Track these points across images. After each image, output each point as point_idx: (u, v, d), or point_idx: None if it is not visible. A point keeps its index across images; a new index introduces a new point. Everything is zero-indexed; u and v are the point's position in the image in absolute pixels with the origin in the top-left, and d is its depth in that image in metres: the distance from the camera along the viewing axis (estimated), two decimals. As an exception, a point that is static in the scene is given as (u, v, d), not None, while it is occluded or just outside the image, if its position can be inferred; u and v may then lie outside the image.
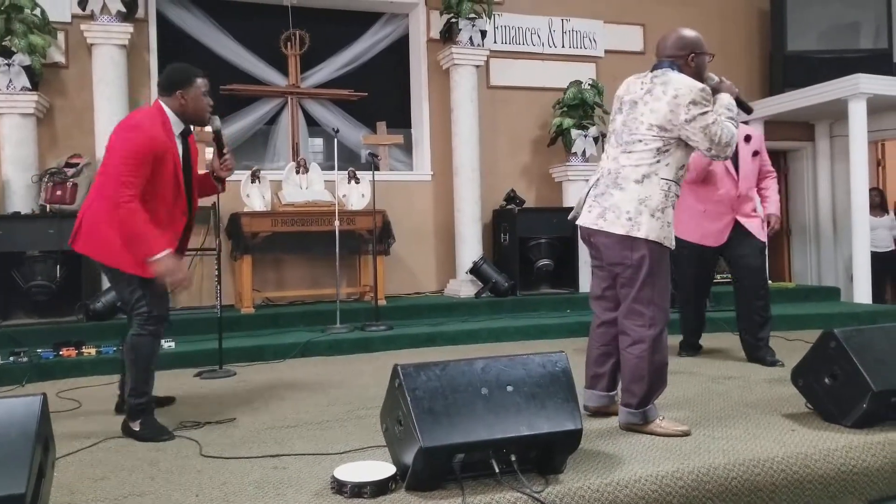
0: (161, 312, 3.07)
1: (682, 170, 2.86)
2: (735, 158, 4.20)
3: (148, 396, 3.03)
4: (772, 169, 4.45)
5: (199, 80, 3.08)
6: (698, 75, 2.86)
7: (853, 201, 6.88)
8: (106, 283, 5.54)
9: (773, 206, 4.40)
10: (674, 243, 2.87)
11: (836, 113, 7.58)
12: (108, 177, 2.93)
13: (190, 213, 3.20)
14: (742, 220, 4.24)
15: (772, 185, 4.42)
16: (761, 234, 4.29)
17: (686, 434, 2.76)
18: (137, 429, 2.95)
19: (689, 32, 2.93)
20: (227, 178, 3.39)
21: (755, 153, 4.29)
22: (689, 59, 2.88)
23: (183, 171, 3.08)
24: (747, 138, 4.25)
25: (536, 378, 2.35)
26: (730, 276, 4.58)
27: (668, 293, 2.87)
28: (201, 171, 3.37)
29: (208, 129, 3.31)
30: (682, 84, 2.75)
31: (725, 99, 2.88)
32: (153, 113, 3.04)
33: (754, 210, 4.30)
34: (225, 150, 3.29)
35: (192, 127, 3.18)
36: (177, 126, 3.07)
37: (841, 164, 8.15)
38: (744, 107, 3.04)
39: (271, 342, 4.97)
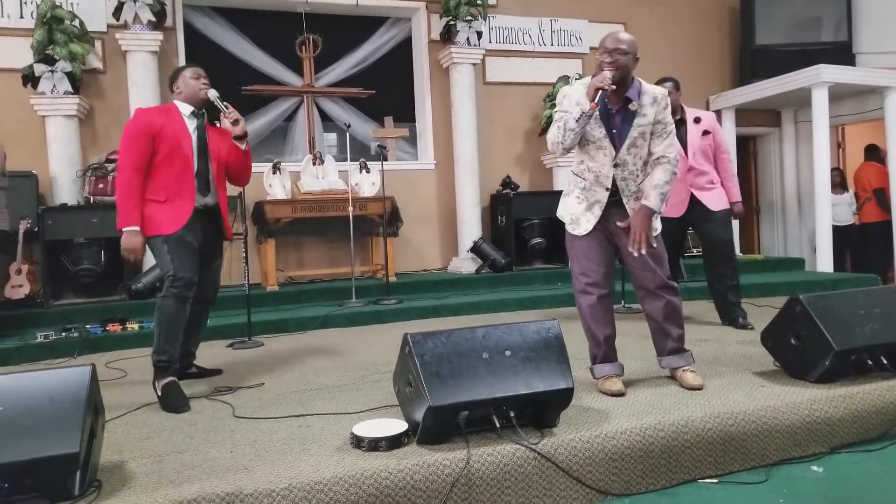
0: (187, 275, 3.00)
1: (582, 164, 2.85)
2: (682, 137, 4.16)
3: (169, 355, 2.97)
4: (726, 150, 4.34)
5: (187, 71, 3.23)
6: (596, 72, 2.72)
7: (816, 180, 6.84)
8: (146, 266, 5.56)
9: (735, 194, 4.29)
10: (576, 229, 2.85)
11: (801, 100, 7.52)
12: None
13: (209, 186, 3.19)
14: (697, 192, 4.19)
15: (728, 170, 4.30)
16: (719, 205, 4.20)
17: (619, 395, 2.75)
18: (160, 393, 2.92)
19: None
20: (244, 134, 3.24)
21: (705, 132, 4.22)
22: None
23: (199, 152, 3.14)
24: (696, 119, 4.23)
25: (532, 343, 2.36)
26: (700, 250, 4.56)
27: (576, 268, 2.88)
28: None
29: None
30: None
31: (583, 100, 2.72)
32: (161, 106, 3.25)
33: (710, 182, 4.21)
34: (227, 109, 3.21)
35: (204, 112, 3.23)
36: (185, 109, 3.17)
37: (805, 147, 8.11)
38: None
39: (294, 316, 4.98)
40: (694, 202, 4.21)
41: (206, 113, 3.28)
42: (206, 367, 3.53)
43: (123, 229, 2.99)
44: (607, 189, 2.78)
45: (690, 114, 4.27)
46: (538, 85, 7.25)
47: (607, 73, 2.63)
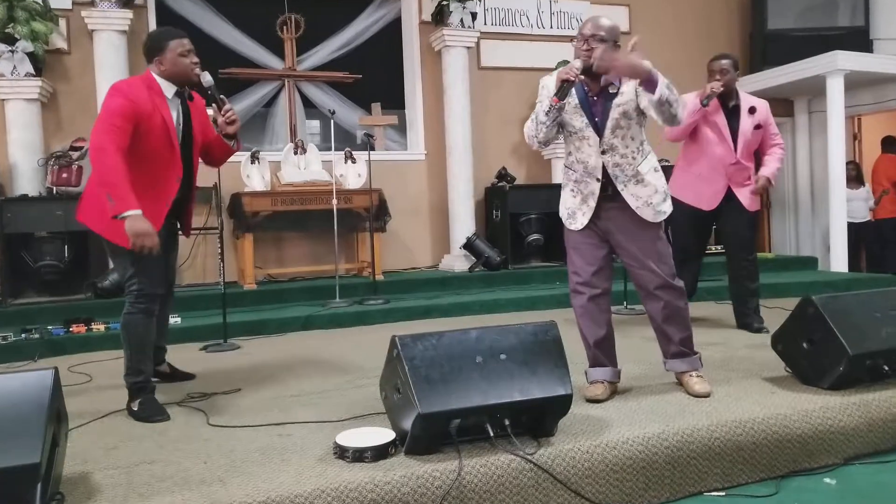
0: (153, 290, 2.92)
1: (570, 155, 2.87)
2: (735, 126, 4.10)
3: (144, 375, 2.92)
4: (780, 141, 4.27)
5: (173, 43, 2.93)
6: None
7: (830, 174, 6.88)
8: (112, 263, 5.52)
9: (768, 169, 4.19)
10: (573, 224, 2.87)
11: (815, 89, 7.55)
12: None
13: (188, 178, 3.05)
14: (735, 188, 4.15)
15: (775, 152, 4.22)
16: (752, 205, 4.20)
17: (592, 401, 2.78)
18: (136, 408, 2.86)
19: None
20: (236, 133, 3.10)
21: (758, 126, 4.15)
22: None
23: (183, 144, 2.98)
24: (751, 110, 4.14)
25: (528, 346, 2.36)
26: (721, 247, 4.53)
27: (569, 266, 2.92)
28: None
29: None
30: None
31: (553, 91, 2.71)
32: (141, 79, 2.94)
33: (749, 179, 4.19)
34: (224, 104, 3.04)
35: (187, 90, 3.02)
36: (168, 89, 2.95)
37: (819, 138, 8.14)
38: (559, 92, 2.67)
39: (273, 317, 4.97)
40: (728, 196, 4.16)
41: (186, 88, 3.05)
42: (178, 369, 3.51)
43: (126, 214, 2.68)
44: (598, 179, 2.79)
45: (746, 102, 4.15)
46: (536, 70, 7.23)
47: (576, 63, 2.63)
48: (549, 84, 2.80)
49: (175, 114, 2.97)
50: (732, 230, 4.24)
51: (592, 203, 2.82)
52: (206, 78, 2.99)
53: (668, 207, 2.84)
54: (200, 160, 3.23)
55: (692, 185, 4.17)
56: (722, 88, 4.02)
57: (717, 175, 4.14)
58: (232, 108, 3.08)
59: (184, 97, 3.03)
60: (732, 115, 4.13)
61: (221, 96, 3.05)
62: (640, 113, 2.76)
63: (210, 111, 3.12)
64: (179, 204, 3.09)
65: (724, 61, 4.07)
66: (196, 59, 2.98)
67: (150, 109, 2.85)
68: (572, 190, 2.90)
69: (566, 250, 2.95)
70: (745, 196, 4.18)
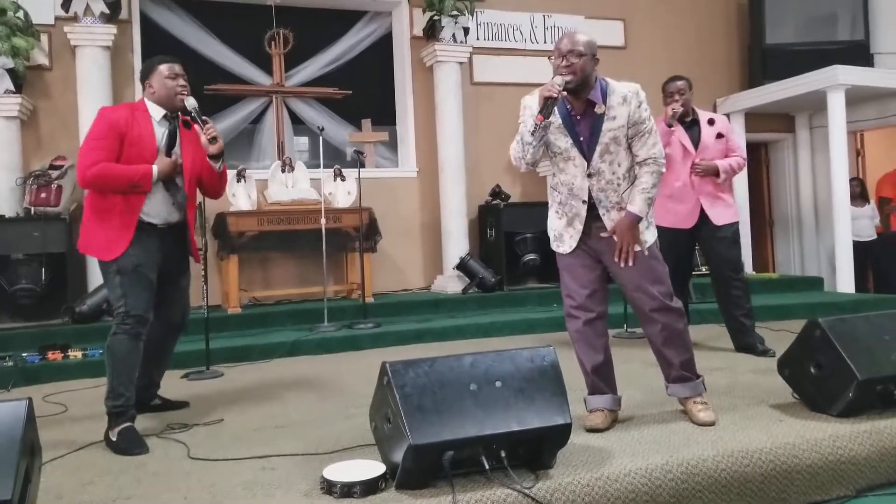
0: (139, 312, 2.94)
1: (554, 177, 2.86)
2: (696, 138, 4.24)
3: (125, 399, 2.89)
4: (742, 154, 4.39)
5: (162, 67, 3.09)
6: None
7: (834, 191, 6.90)
8: (92, 285, 5.48)
9: (723, 162, 4.22)
10: (560, 247, 2.87)
11: (816, 104, 7.61)
12: None
13: (173, 205, 3.11)
14: (704, 202, 4.21)
15: (735, 158, 4.30)
16: (725, 219, 4.23)
17: (591, 431, 2.75)
18: (115, 438, 2.82)
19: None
20: (219, 154, 3.16)
21: (719, 135, 4.28)
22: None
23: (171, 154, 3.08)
24: (710, 121, 4.30)
25: (525, 373, 2.33)
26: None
27: (563, 289, 2.93)
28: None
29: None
30: None
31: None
32: (130, 104, 3.15)
33: (719, 191, 4.25)
34: (206, 126, 3.10)
35: (179, 116, 3.14)
36: (156, 112, 3.08)
37: (821, 154, 8.19)
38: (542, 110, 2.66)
39: (259, 342, 4.92)
40: (703, 215, 4.23)
41: (179, 114, 3.17)
42: (170, 399, 3.47)
43: (154, 177, 2.97)
44: (584, 201, 2.78)
45: (703, 116, 4.34)
46: (530, 86, 7.11)
47: (557, 80, 2.62)
48: (531, 104, 2.77)
49: (160, 134, 3.07)
50: (714, 251, 4.29)
51: (579, 225, 2.80)
52: (191, 102, 3.10)
53: (650, 236, 2.81)
54: (199, 191, 3.31)
55: (666, 207, 4.25)
56: (682, 108, 4.20)
57: (686, 191, 4.22)
58: (213, 125, 3.14)
59: (175, 123, 3.12)
60: (691, 129, 4.28)
61: (204, 118, 3.13)
62: (629, 141, 2.75)
63: (202, 138, 3.13)
64: (178, 231, 3.16)
65: (679, 82, 4.26)
66: (183, 83, 3.11)
67: (130, 122, 2.98)
68: (557, 212, 2.90)
69: (560, 272, 2.94)
70: (717, 212, 4.23)
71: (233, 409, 3.42)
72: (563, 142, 2.75)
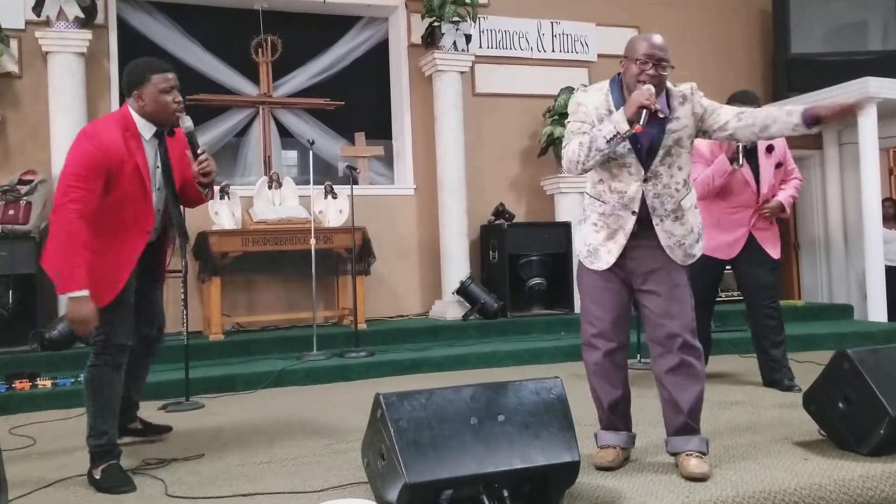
0: (121, 341, 2.93)
1: (601, 183, 2.81)
2: (756, 169, 4.22)
3: (108, 438, 2.89)
4: (798, 175, 4.41)
5: (156, 77, 2.94)
6: (629, 83, 2.72)
7: (865, 212, 6.94)
8: (63, 309, 5.48)
9: (783, 194, 4.28)
10: (595, 262, 2.81)
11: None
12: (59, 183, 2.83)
13: (174, 219, 3.10)
14: (757, 234, 4.24)
15: (792, 182, 4.34)
16: (774, 251, 4.28)
17: (601, 469, 2.75)
18: (98, 476, 2.82)
19: (634, 38, 2.81)
20: (210, 183, 3.17)
21: (778, 164, 4.28)
22: (622, 64, 2.78)
23: (163, 187, 3.03)
24: (769, 148, 4.27)
25: (530, 406, 2.35)
26: (739, 294, 4.55)
27: (583, 315, 2.89)
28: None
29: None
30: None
31: (615, 116, 2.64)
32: (116, 118, 2.96)
33: (772, 224, 4.30)
34: (200, 152, 3.06)
35: (165, 131, 3.05)
36: (146, 130, 2.97)
37: (851, 172, 8.22)
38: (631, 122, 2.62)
39: (242, 371, 4.92)
40: (751, 241, 4.24)
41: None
42: (151, 423, 3.49)
43: (68, 295, 2.72)
44: (634, 212, 2.74)
45: (761, 142, 4.24)
46: (537, 97, 7.36)
47: (649, 88, 2.59)
48: (587, 101, 2.77)
49: (152, 157, 3.00)
50: (752, 276, 4.27)
51: (622, 239, 2.76)
52: (187, 123, 3.02)
53: (698, 251, 2.84)
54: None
55: (710, 234, 4.21)
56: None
57: (738, 223, 4.23)
58: (209, 158, 3.10)
59: (163, 136, 3.05)
60: (751, 156, 4.22)
61: (200, 147, 3.08)
62: (692, 142, 2.80)
63: (193, 167, 3.11)
64: (155, 249, 3.13)
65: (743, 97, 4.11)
66: (179, 98, 3.00)
67: (124, 156, 2.86)
68: (595, 223, 2.83)
69: (581, 296, 2.92)
70: (770, 244, 4.26)
71: (214, 444, 3.42)
72: (621, 147, 2.71)
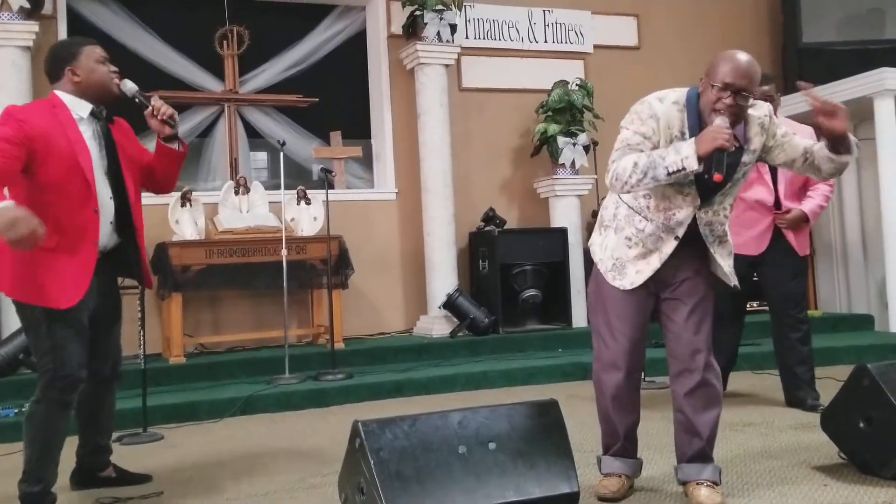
0: (72, 373, 2.83)
1: (647, 199, 2.74)
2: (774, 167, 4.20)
3: (44, 485, 2.82)
4: (830, 182, 4.29)
5: (87, 48, 3.01)
6: (704, 108, 2.66)
7: (885, 215, 6.98)
8: (7, 329, 5.43)
9: (807, 204, 4.27)
10: (618, 279, 2.77)
11: (861, 113, 7.72)
12: None
13: (124, 218, 3.03)
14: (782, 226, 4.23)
15: (820, 188, 4.29)
16: (802, 247, 4.28)
17: (604, 500, 2.75)
18: None
19: (720, 55, 2.72)
20: (174, 131, 3.14)
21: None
22: (701, 82, 2.71)
23: (108, 172, 2.98)
24: None
25: (524, 432, 2.34)
26: (760, 303, 4.52)
27: (602, 330, 2.85)
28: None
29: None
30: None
31: (683, 148, 2.53)
32: (42, 101, 3.00)
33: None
34: (151, 103, 3.06)
35: (104, 111, 3.04)
36: (80, 107, 2.96)
37: (868, 171, 8.27)
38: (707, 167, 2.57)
39: (206, 398, 4.91)
40: (777, 238, 4.23)
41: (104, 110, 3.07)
42: (129, 471, 3.39)
43: None
44: (678, 238, 2.71)
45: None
46: (529, 92, 7.38)
47: (723, 122, 2.50)
48: (660, 113, 2.65)
49: (90, 136, 2.96)
50: (776, 281, 4.26)
51: (657, 263, 2.73)
52: (129, 86, 3.06)
53: (730, 267, 2.85)
54: (145, 191, 3.24)
55: (732, 230, 4.20)
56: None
57: (758, 215, 4.23)
58: (163, 102, 3.10)
59: (103, 119, 3.03)
60: None
61: (148, 95, 3.10)
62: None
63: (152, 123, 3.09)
64: (116, 256, 3.07)
65: (764, 87, 4.02)
66: (114, 68, 3.05)
67: (50, 128, 2.84)
68: (629, 238, 2.78)
69: (598, 308, 2.87)
70: (798, 240, 4.26)
71: (174, 480, 3.40)
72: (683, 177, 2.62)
